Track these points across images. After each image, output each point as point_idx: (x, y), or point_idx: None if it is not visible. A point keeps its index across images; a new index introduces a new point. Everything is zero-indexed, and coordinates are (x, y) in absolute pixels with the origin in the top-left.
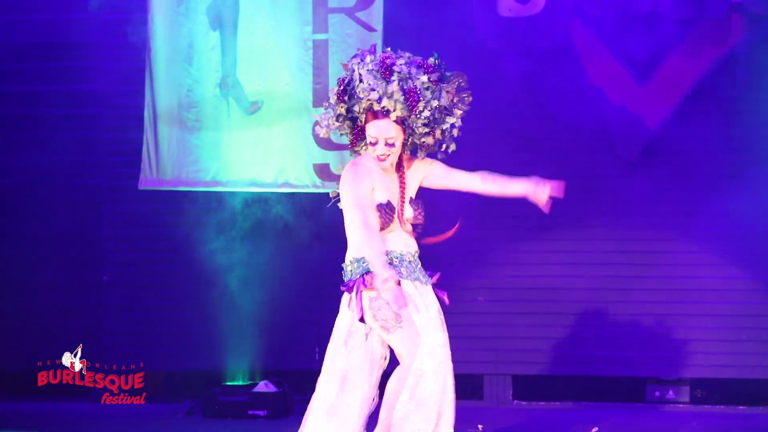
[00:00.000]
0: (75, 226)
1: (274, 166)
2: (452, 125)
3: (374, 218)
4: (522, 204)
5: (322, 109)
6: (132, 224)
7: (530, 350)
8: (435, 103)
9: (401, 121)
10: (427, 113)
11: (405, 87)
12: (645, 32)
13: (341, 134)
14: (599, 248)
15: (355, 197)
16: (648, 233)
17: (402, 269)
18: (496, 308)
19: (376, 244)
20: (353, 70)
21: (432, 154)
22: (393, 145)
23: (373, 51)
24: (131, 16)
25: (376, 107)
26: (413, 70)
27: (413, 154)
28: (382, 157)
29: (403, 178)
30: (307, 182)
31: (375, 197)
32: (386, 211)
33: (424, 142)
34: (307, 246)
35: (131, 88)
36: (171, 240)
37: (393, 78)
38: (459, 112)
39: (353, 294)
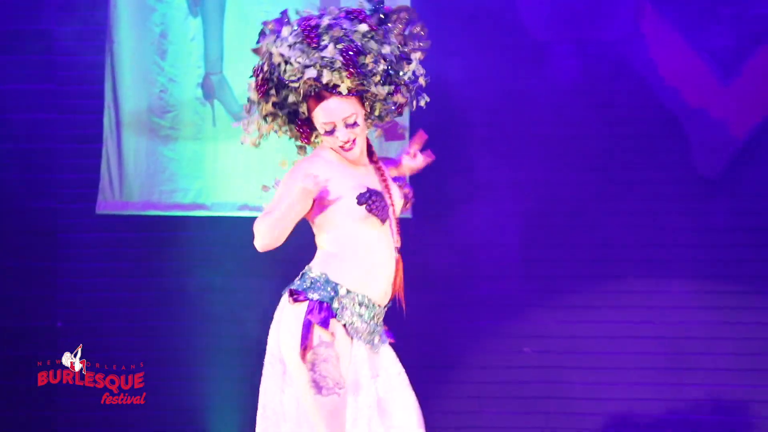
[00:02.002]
0: (22, 260)
1: (269, 182)
2: (414, 73)
3: (284, 218)
4: (577, 234)
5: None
6: (93, 257)
7: (588, 413)
8: (387, 49)
9: (355, 92)
10: (381, 67)
11: (342, 48)
12: (731, 19)
13: (280, 136)
14: (674, 289)
15: (279, 191)
16: (735, 270)
17: (362, 324)
18: (546, 361)
19: (276, 221)
20: (270, 53)
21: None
22: (355, 124)
23: (285, 21)
24: None
25: (315, 85)
26: (345, 24)
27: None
28: (347, 145)
29: (379, 162)
30: None
31: (340, 191)
32: (373, 198)
33: (395, 102)
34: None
35: (93, 88)
36: (142, 277)
37: (325, 42)
38: (417, 54)
39: (295, 317)
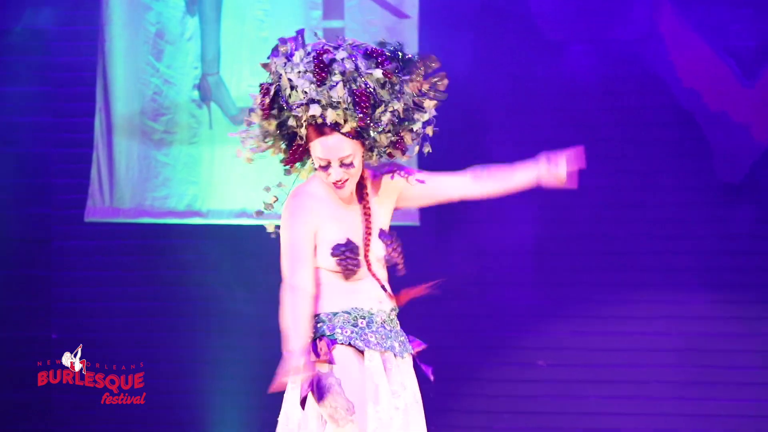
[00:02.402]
0: (16, 268)
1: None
2: (425, 124)
3: (306, 276)
4: (593, 241)
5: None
6: (89, 265)
7: (605, 429)
8: (397, 105)
9: (356, 133)
10: (387, 118)
11: (354, 89)
12: (752, 19)
13: (273, 155)
14: (694, 298)
15: (288, 243)
16: (758, 278)
17: (369, 334)
18: (560, 375)
19: (300, 312)
20: (279, 75)
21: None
22: (351, 165)
23: (300, 42)
24: None
25: (318, 119)
26: (361, 64)
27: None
28: (339, 184)
29: (368, 206)
30: None
31: (324, 237)
32: (347, 254)
33: (390, 152)
34: None
35: (87, 90)
36: (138, 286)
37: (335, 80)
38: (432, 103)
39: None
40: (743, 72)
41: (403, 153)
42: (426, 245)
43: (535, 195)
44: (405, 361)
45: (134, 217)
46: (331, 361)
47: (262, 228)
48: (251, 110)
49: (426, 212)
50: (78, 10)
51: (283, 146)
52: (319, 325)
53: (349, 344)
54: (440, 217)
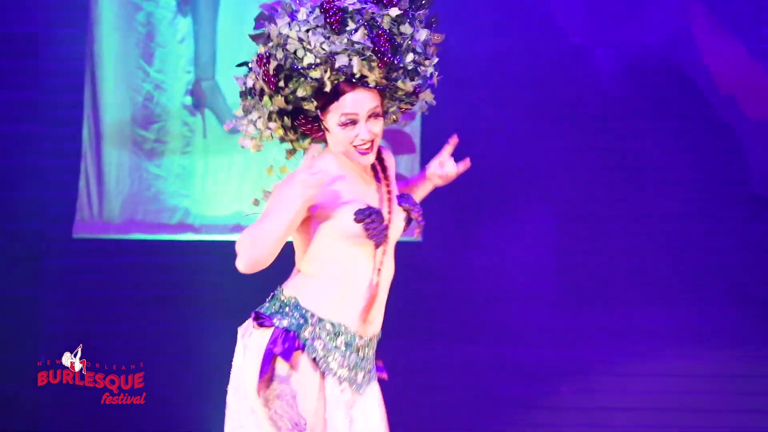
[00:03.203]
0: (2, 287)
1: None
2: (431, 73)
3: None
4: (618, 258)
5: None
6: (80, 284)
7: None
8: (421, 35)
9: (381, 87)
10: (410, 58)
11: (373, 33)
12: None
13: (271, 139)
14: (728, 321)
15: (275, 197)
16: None
17: (339, 358)
18: (586, 402)
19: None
20: (285, 37)
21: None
22: (380, 116)
23: (299, 1)
24: None
25: (338, 76)
26: (371, 6)
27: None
28: (364, 146)
29: (389, 182)
30: None
31: (335, 202)
32: (374, 218)
33: (406, 103)
34: None
35: (74, 97)
36: (134, 306)
37: (351, 26)
38: (432, 49)
39: (257, 345)
40: None
41: (413, 102)
42: (433, 259)
43: (556, 208)
44: (368, 391)
45: (125, 232)
46: (292, 366)
47: None
48: (247, 93)
49: (434, 223)
50: (64, 11)
51: (285, 128)
52: (298, 319)
53: (313, 359)
54: (451, 227)
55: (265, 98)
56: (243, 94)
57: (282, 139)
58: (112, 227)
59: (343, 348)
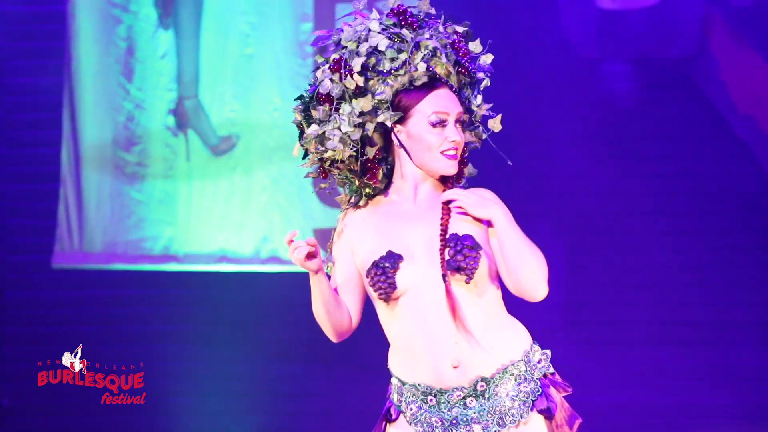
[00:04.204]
0: None
1: (256, 233)
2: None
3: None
4: (632, 290)
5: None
6: (48, 320)
7: None
8: (487, 60)
9: (459, 91)
10: (481, 75)
11: (453, 41)
12: None
13: (341, 168)
14: (750, 360)
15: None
16: None
17: (434, 418)
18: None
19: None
20: (367, 31)
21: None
22: (464, 123)
23: (366, 16)
24: (48, 8)
25: (420, 75)
26: (429, 22)
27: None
28: (452, 151)
29: (447, 209)
30: None
31: (367, 255)
32: (380, 269)
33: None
34: (305, 354)
35: (50, 116)
36: (104, 344)
37: (422, 30)
38: (481, 75)
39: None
40: None
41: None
42: None
43: (566, 234)
44: None
45: (106, 262)
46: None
47: (245, 275)
48: (312, 106)
49: None
50: (39, 23)
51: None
52: (391, 385)
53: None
54: None
55: (344, 105)
56: (300, 124)
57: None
58: (93, 257)
59: (436, 406)
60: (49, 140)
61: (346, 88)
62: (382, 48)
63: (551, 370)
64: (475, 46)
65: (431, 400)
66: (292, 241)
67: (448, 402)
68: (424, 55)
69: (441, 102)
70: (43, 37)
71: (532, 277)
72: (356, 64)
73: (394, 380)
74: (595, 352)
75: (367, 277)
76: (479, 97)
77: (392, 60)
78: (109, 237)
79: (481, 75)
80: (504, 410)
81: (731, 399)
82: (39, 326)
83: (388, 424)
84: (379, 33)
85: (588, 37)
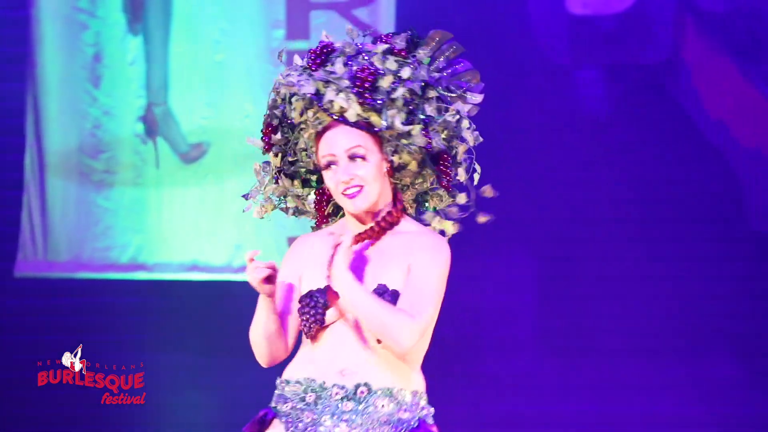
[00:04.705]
0: None
1: (227, 242)
2: (459, 120)
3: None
4: (605, 302)
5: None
6: (9, 329)
7: None
8: (407, 72)
9: (367, 125)
10: (400, 92)
11: (355, 68)
12: None
13: (294, 213)
14: (724, 370)
15: None
16: None
17: (306, 413)
18: None
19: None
20: (278, 89)
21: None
22: (363, 158)
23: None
24: (12, 12)
25: (323, 119)
26: (366, 47)
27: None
28: (349, 191)
29: (377, 232)
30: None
31: (308, 284)
32: (310, 303)
33: (412, 154)
34: (280, 364)
35: (13, 123)
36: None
37: (334, 61)
38: (466, 107)
39: None
40: None
41: (446, 170)
42: None
43: (539, 246)
44: None
45: (71, 271)
46: None
47: (217, 284)
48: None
49: None
50: (2, 28)
51: (298, 194)
52: (275, 392)
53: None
54: None
55: (273, 158)
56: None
57: (296, 210)
58: (57, 266)
59: (313, 404)
60: (12, 147)
61: (264, 144)
62: (289, 109)
63: (432, 423)
64: (390, 64)
65: (310, 396)
66: (252, 259)
67: (327, 399)
68: (319, 89)
69: (327, 144)
70: (7, 42)
71: (379, 333)
72: (267, 118)
73: (277, 389)
74: (567, 362)
75: (299, 303)
76: (397, 118)
77: (293, 110)
78: (74, 245)
79: (400, 91)
80: (375, 422)
81: (705, 409)
82: (7, 335)
83: (262, 428)
84: (287, 86)
85: (559, 44)
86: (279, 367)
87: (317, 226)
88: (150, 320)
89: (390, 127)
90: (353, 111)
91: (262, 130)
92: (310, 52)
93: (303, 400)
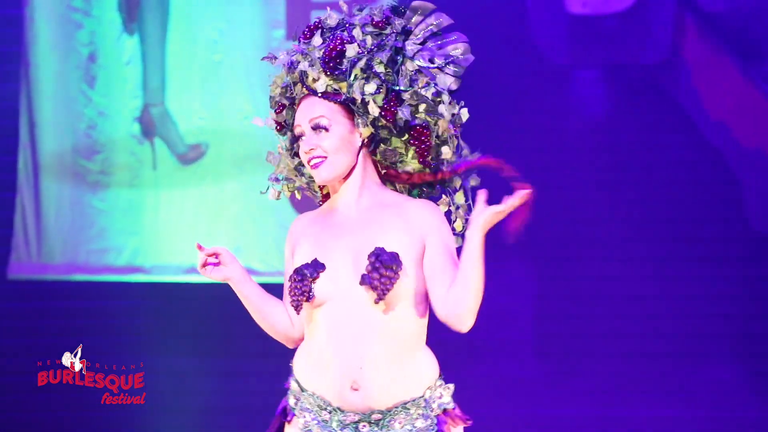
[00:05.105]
0: None
1: (226, 244)
2: (438, 91)
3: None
4: (603, 304)
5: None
6: (3, 331)
7: None
8: (370, 40)
9: (334, 94)
10: (363, 63)
11: (329, 39)
12: None
13: (299, 195)
14: (724, 374)
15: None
16: None
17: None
18: None
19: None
20: (291, 63)
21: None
22: (325, 128)
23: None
24: (5, 11)
25: (293, 85)
26: (347, 19)
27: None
28: (314, 159)
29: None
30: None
31: (299, 260)
32: (295, 277)
33: (383, 125)
34: (278, 367)
35: (7, 124)
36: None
37: (315, 34)
38: (448, 79)
39: None
40: None
41: (423, 140)
42: None
43: (536, 248)
44: None
45: (66, 273)
46: None
47: (214, 286)
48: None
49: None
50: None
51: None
52: (292, 384)
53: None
54: None
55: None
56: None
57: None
58: (52, 268)
59: (329, 422)
60: (5, 148)
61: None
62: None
63: (452, 405)
64: (357, 33)
65: (325, 414)
66: (200, 247)
67: (342, 422)
68: (293, 60)
69: (297, 115)
70: (3, 41)
71: (473, 309)
72: (274, 90)
73: (293, 384)
74: (564, 365)
75: (288, 282)
76: (369, 85)
77: (285, 87)
78: (69, 247)
79: (362, 63)
80: None
81: (701, 412)
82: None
83: (285, 424)
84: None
85: (558, 43)
86: (276, 374)
87: (321, 202)
88: (147, 323)
89: (352, 97)
90: (322, 81)
91: (272, 109)
92: (306, 28)
93: (319, 415)
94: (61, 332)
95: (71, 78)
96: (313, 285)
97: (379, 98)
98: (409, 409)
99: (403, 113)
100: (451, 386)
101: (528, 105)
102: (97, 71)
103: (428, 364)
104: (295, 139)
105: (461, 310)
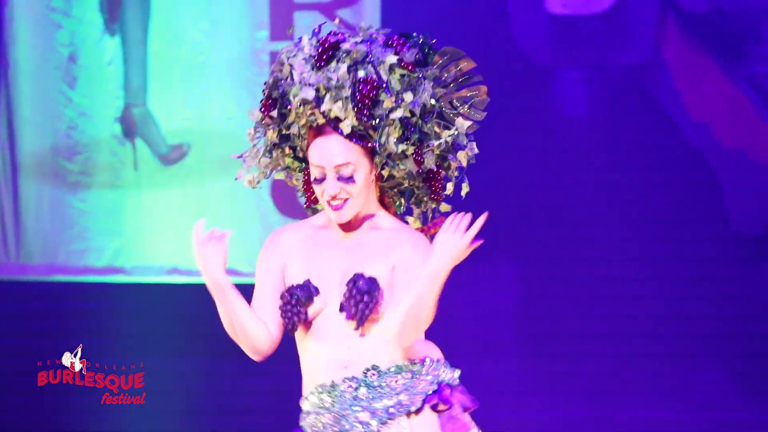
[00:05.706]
0: None
1: None
2: (457, 142)
3: (260, 307)
4: (585, 305)
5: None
6: None
7: None
8: (410, 97)
9: (360, 138)
10: (399, 114)
11: (359, 76)
12: None
13: (291, 183)
14: (710, 375)
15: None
16: None
17: (326, 415)
18: None
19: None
20: (282, 63)
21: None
22: (351, 178)
23: (315, 32)
24: None
25: (317, 117)
26: (376, 50)
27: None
28: (335, 202)
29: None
30: None
31: (290, 276)
32: (292, 300)
33: (401, 171)
34: (263, 369)
35: None
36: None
37: (340, 63)
38: (465, 123)
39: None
40: (764, 102)
41: (437, 185)
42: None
43: (520, 248)
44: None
45: (46, 274)
46: None
47: (197, 288)
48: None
49: None
50: None
51: (293, 169)
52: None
53: None
54: None
55: (262, 128)
56: (256, 123)
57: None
58: (31, 269)
59: (332, 406)
60: None
61: (261, 115)
62: (289, 93)
63: (457, 382)
64: (394, 77)
65: (326, 400)
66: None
67: (342, 395)
68: (319, 91)
69: (318, 153)
70: None
71: (410, 337)
72: (265, 99)
73: (302, 404)
74: (551, 366)
75: (280, 300)
76: (395, 145)
77: (294, 96)
78: (49, 248)
79: (397, 114)
80: (394, 396)
81: (689, 413)
82: None
83: None
84: (289, 69)
85: (539, 44)
86: (270, 377)
87: (307, 206)
88: (127, 325)
89: (383, 146)
90: (348, 123)
91: (261, 101)
92: (319, 42)
93: (322, 405)
94: (40, 334)
95: (51, 78)
96: (305, 310)
97: (411, 149)
98: (409, 370)
99: (429, 162)
100: (458, 371)
101: (510, 105)
102: (77, 72)
103: (429, 351)
104: (299, 157)
105: (387, 336)
